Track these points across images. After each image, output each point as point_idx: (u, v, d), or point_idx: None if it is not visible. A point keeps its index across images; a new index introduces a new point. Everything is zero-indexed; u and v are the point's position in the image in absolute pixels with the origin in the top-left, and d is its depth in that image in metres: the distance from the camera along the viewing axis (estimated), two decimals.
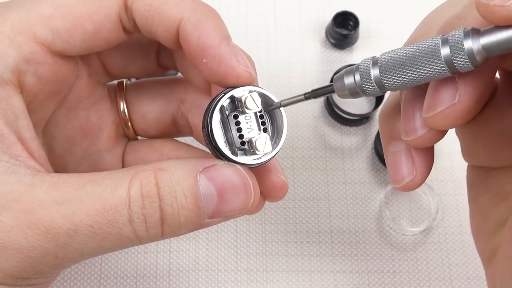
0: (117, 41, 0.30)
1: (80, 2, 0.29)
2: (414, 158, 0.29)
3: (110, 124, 0.35)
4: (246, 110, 0.28)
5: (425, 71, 0.24)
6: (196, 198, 0.26)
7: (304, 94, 0.28)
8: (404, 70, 0.25)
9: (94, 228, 0.25)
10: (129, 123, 0.36)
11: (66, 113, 0.33)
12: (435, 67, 0.24)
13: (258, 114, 0.29)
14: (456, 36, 0.23)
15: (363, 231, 0.48)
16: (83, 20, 0.28)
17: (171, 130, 0.36)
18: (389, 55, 0.25)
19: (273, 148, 0.28)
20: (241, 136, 0.28)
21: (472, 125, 0.29)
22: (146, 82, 0.36)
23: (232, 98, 0.28)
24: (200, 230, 0.47)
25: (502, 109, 0.27)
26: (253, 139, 0.28)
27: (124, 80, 0.36)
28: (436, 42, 0.23)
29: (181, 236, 0.47)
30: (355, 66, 0.26)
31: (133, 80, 0.39)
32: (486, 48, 0.22)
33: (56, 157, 0.34)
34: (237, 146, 0.28)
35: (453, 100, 0.24)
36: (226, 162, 0.28)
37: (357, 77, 0.26)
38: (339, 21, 0.53)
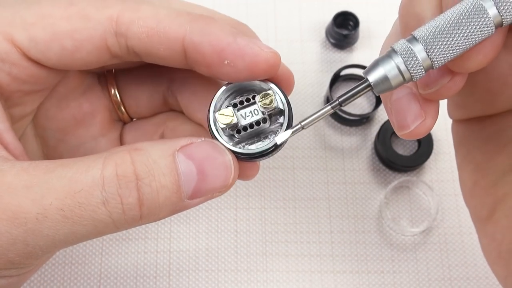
0: (99, 64, 0.29)
1: (65, 18, 0.28)
2: (422, 102, 0.26)
3: (103, 110, 0.34)
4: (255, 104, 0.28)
5: (473, 33, 0.22)
6: (175, 176, 0.25)
7: (331, 104, 0.26)
8: (450, 38, 0.22)
9: (65, 211, 0.24)
10: (122, 107, 0.35)
11: (55, 104, 0.33)
12: (483, 26, 0.22)
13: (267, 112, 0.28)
14: None
15: (363, 231, 0.48)
16: (63, 36, 0.28)
17: (164, 109, 0.36)
18: (427, 29, 0.23)
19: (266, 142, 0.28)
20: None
21: (469, 74, 0.28)
22: (134, 66, 0.36)
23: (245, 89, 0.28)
24: (200, 231, 0.47)
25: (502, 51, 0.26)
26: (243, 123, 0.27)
27: None
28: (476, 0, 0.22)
29: (181, 236, 0.47)
30: (387, 51, 0.24)
31: None
32: None
33: (50, 148, 0.34)
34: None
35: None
36: (203, 139, 0.27)
37: (398, 60, 0.23)
38: (339, 21, 0.53)
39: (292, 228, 0.48)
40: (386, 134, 0.49)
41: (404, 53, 0.23)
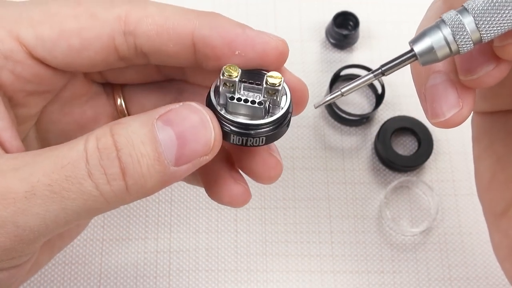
0: (107, 66, 0.29)
1: (73, 17, 0.28)
2: (459, 89, 0.25)
3: (107, 118, 0.34)
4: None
5: None
6: (154, 143, 0.25)
7: (373, 72, 0.25)
8: (502, 12, 0.22)
9: (53, 186, 0.24)
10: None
11: (59, 109, 0.33)
12: None
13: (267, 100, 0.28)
14: None
15: (363, 232, 0.48)
16: (71, 34, 0.28)
17: None
18: (479, 1, 0.22)
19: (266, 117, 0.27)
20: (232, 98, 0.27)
21: None
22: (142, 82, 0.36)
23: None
24: (200, 231, 0.47)
25: None
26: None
27: None
28: None
29: (181, 236, 0.47)
30: (436, 21, 0.23)
31: None
32: None
33: None
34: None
35: None
36: (182, 104, 0.26)
37: (446, 32, 0.23)
38: (339, 21, 0.53)
39: (292, 228, 0.48)
40: (386, 134, 0.49)
41: (453, 23, 0.23)
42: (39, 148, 0.33)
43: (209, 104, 0.27)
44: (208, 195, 0.32)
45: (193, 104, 0.26)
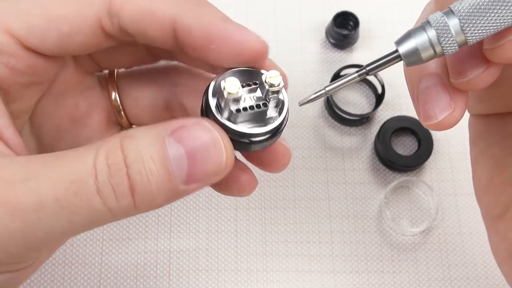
0: (97, 47, 0.29)
1: (60, 3, 0.28)
2: (451, 92, 0.26)
3: (101, 111, 0.34)
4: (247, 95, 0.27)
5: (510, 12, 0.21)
6: (165, 161, 0.25)
7: (358, 71, 0.25)
8: (490, 14, 0.22)
9: (61, 201, 0.24)
10: (122, 112, 0.35)
11: (52, 101, 0.33)
12: None
13: (261, 101, 0.27)
14: None
15: (363, 231, 0.48)
16: (60, 20, 0.28)
17: (165, 116, 0.35)
18: (467, 2, 0.22)
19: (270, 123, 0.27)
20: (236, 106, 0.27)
21: None
22: (137, 69, 0.35)
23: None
24: (200, 231, 0.47)
25: None
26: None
27: (115, 69, 0.35)
28: None
29: (181, 236, 0.47)
30: (422, 23, 0.23)
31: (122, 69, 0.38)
32: None
33: (45, 147, 0.34)
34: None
35: None
36: (194, 120, 0.26)
37: (431, 33, 0.23)
38: (339, 21, 0.53)
39: (292, 228, 0.48)
40: (386, 134, 0.49)
41: (438, 25, 0.22)
42: (34, 143, 0.32)
43: (206, 109, 0.27)
44: (216, 190, 0.32)
45: (205, 123, 0.26)
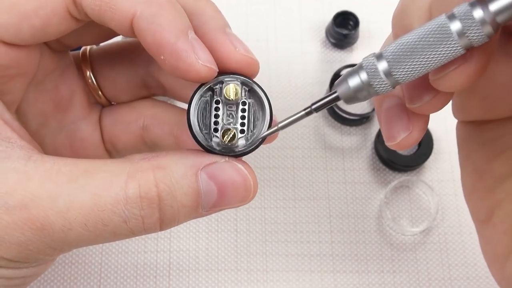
0: (70, 30, 0.30)
1: None
2: (410, 114, 0.27)
3: (81, 93, 0.35)
4: (227, 100, 0.27)
5: (437, 54, 0.22)
6: (196, 196, 0.26)
7: (305, 110, 0.26)
8: (414, 57, 0.23)
9: (88, 226, 0.25)
10: (99, 92, 0.35)
11: (33, 88, 0.33)
12: (448, 47, 0.22)
13: (241, 106, 0.28)
14: (463, 9, 0.22)
15: (363, 231, 0.48)
16: (29, 15, 0.28)
17: (143, 93, 0.36)
18: (394, 47, 0.24)
19: (248, 143, 0.28)
20: (216, 123, 0.27)
21: None
22: (110, 48, 0.35)
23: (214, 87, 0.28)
24: (200, 231, 0.47)
25: (500, 60, 0.26)
26: (219, 128, 0.27)
27: (87, 48, 0.35)
28: (443, 21, 0.22)
29: (181, 236, 0.47)
30: (356, 66, 0.25)
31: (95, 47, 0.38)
32: (498, 14, 0.21)
33: (32, 133, 0.34)
34: (212, 133, 0.27)
35: (464, 62, 0.23)
36: (227, 159, 0.27)
37: (363, 76, 0.24)
38: (339, 21, 0.53)
39: (292, 227, 0.48)
40: None
41: (369, 69, 0.24)
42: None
43: (193, 134, 0.27)
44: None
45: (239, 165, 0.27)
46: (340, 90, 0.25)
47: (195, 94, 0.27)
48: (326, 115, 0.52)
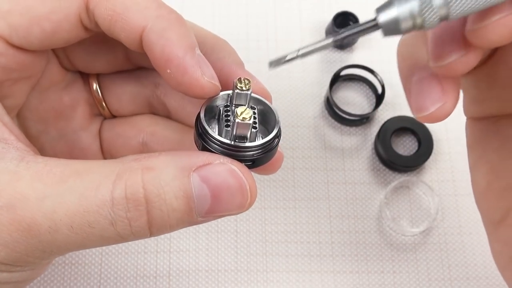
0: (77, 39, 0.30)
1: (40, 1, 0.28)
2: (444, 84, 0.25)
3: (84, 104, 0.35)
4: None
5: None
6: (188, 199, 0.25)
7: (333, 35, 0.24)
8: None
9: (74, 228, 0.24)
10: (104, 103, 0.35)
11: (37, 96, 0.33)
12: None
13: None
14: None
15: (363, 232, 0.48)
16: (41, 19, 0.28)
17: (147, 112, 0.36)
18: None
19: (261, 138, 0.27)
20: (227, 119, 0.27)
21: (489, 67, 0.27)
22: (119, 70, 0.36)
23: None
24: (200, 231, 0.47)
25: None
26: (230, 122, 0.27)
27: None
28: None
29: (181, 236, 0.47)
30: None
31: None
32: None
33: (32, 138, 0.34)
34: (224, 128, 0.27)
35: (510, 10, 0.21)
36: (221, 160, 0.26)
37: (414, 3, 0.22)
38: (339, 21, 0.53)
39: (292, 228, 0.48)
40: (386, 134, 0.49)
41: None
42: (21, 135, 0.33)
43: (200, 128, 0.27)
44: None
45: (234, 167, 0.25)
46: (383, 17, 0.22)
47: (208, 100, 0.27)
48: (326, 115, 0.52)
